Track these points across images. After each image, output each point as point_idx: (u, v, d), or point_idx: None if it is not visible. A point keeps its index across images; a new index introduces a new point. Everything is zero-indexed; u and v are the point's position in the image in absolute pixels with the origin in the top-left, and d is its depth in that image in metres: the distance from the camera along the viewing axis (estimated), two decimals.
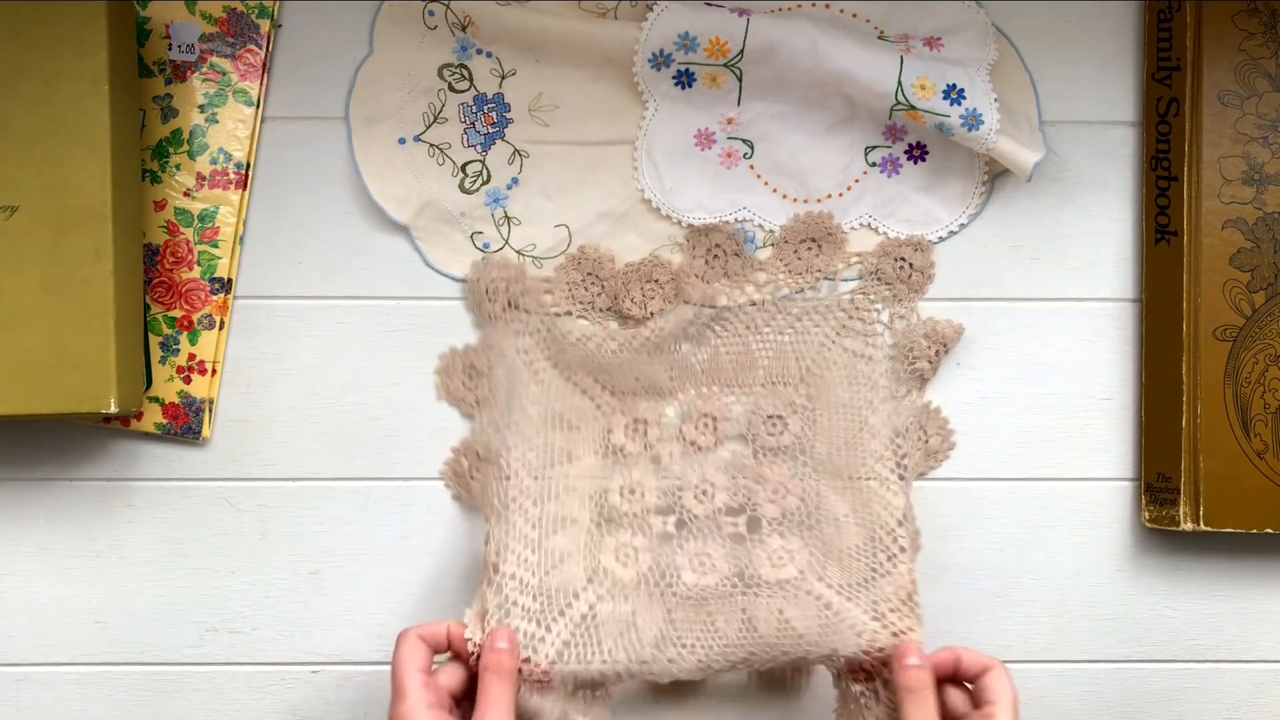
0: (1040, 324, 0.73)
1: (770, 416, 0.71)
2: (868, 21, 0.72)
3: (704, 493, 0.70)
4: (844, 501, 0.69)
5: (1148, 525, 0.71)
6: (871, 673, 0.65)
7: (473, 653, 0.64)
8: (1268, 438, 0.70)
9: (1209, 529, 0.69)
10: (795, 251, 0.72)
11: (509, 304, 0.71)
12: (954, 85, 0.69)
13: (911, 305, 0.72)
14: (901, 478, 0.69)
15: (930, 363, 0.71)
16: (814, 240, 0.72)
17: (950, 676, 0.65)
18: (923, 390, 0.72)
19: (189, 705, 0.72)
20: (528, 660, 0.64)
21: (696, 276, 0.71)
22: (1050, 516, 0.72)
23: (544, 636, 0.65)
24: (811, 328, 0.72)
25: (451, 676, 0.64)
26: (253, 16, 0.71)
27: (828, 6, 0.72)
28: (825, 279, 0.71)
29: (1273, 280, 0.70)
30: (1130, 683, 0.73)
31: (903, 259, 0.72)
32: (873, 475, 0.69)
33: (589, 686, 0.66)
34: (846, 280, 0.72)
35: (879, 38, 0.71)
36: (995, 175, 0.73)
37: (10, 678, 0.72)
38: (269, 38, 0.71)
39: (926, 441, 0.72)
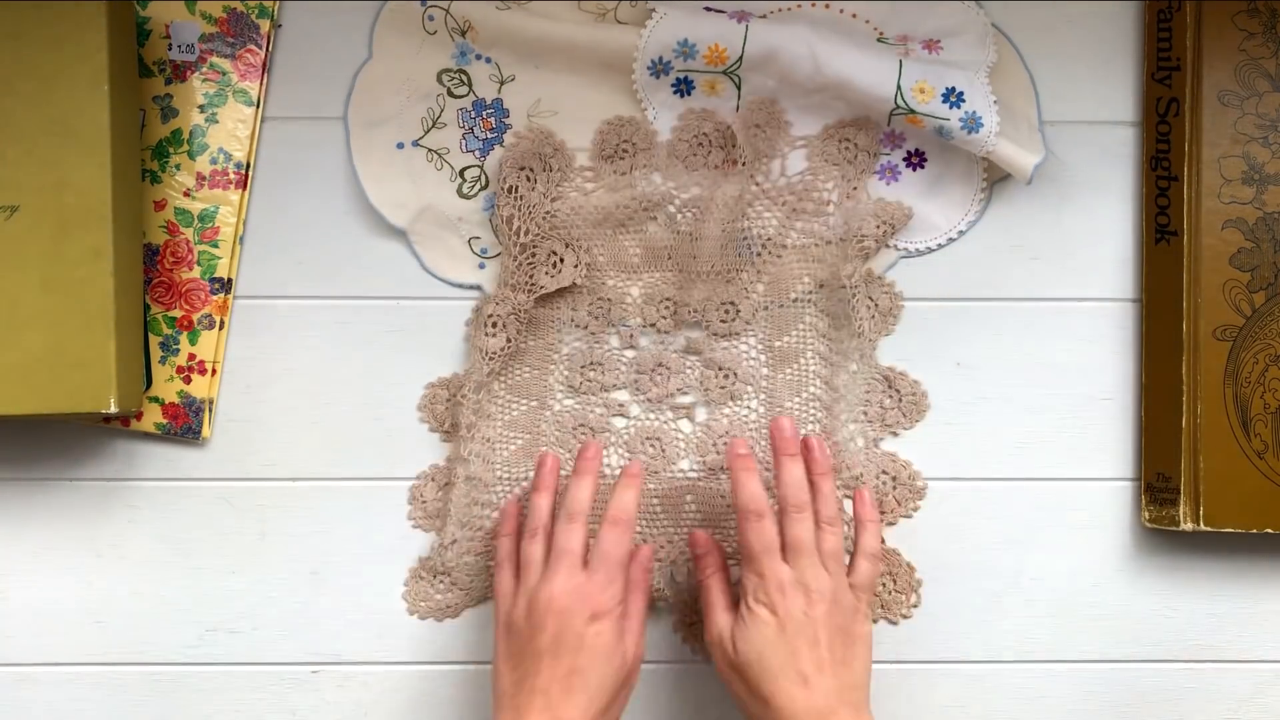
0: (1040, 324, 0.73)
1: (723, 304, 0.72)
2: (867, 22, 0.72)
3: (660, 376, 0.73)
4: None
5: (1148, 525, 0.71)
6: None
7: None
8: (1268, 438, 0.69)
9: (1209, 529, 0.69)
10: (743, 134, 0.71)
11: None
12: (953, 88, 0.69)
13: (859, 184, 0.72)
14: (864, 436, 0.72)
15: (876, 242, 0.71)
16: (758, 126, 0.71)
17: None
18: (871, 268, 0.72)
19: (189, 705, 0.72)
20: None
21: (678, 158, 0.72)
22: (1050, 516, 0.72)
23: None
24: (764, 212, 0.71)
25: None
26: (253, 16, 0.71)
27: (827, 7, 0.72)
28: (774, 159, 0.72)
29: (1273, 280, 0.70)
30: (1130, 683, 0.73)
31: (847, 140, 0.71)
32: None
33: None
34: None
35: (878, 39, 0.71)
36: (994, 181, 0.73)
37: (10, 678, 0.72)
38: (269, 38, 0.71)
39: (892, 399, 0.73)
